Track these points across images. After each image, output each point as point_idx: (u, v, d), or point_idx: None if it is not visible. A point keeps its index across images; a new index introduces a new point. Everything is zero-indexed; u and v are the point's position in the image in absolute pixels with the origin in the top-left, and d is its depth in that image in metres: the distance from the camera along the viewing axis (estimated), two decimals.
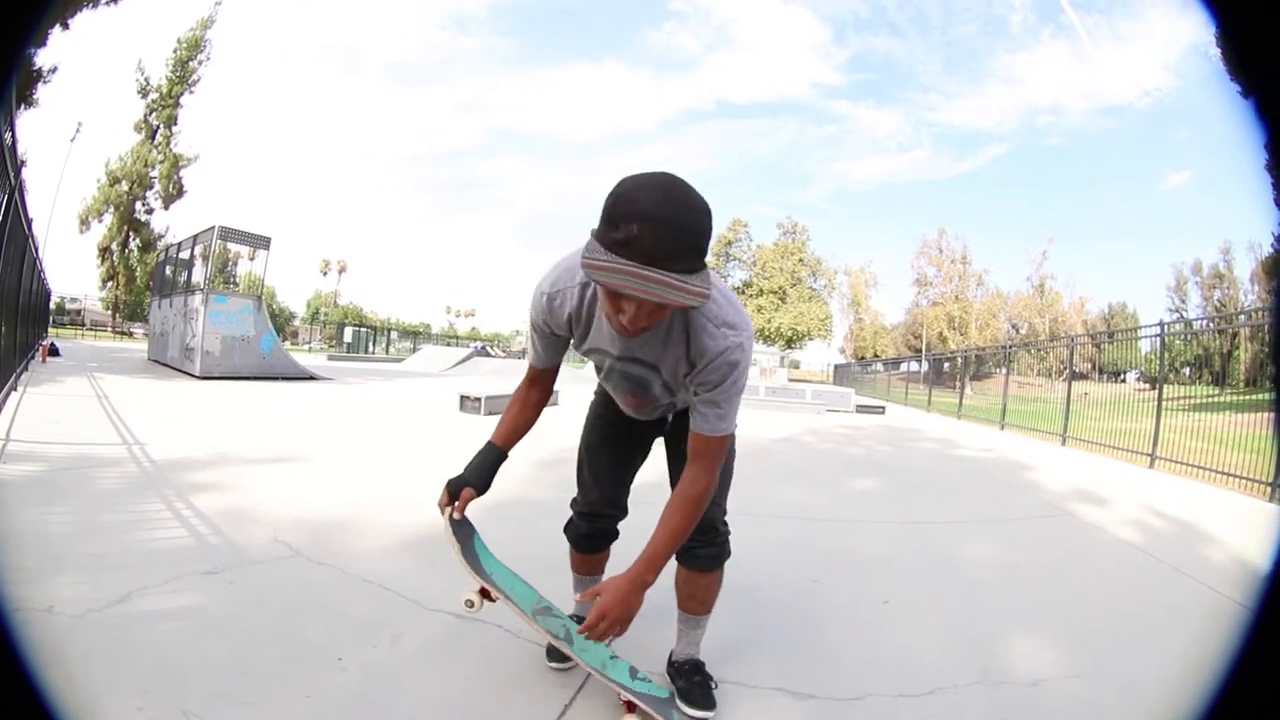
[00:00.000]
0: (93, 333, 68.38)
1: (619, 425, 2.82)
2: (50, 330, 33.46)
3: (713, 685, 2.80)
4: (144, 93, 71.55)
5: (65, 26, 33.45)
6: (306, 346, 77.30)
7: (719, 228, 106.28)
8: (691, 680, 2.78)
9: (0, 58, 1.28)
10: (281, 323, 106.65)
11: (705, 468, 2.35)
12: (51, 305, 41.71)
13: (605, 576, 2.80)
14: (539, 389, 2.70)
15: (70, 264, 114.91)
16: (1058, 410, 17.50)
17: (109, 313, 77.62)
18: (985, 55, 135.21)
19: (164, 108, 71.73)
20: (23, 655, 1.31)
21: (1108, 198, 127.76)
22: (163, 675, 2.61)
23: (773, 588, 4.30)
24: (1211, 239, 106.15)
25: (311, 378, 21.09)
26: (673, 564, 2.62)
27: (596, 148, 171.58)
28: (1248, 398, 19.71)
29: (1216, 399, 21.53)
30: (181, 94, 72.44)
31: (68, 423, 8.47)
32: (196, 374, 17.90)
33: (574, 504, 3.01)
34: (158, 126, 72.18)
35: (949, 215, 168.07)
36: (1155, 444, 12.98)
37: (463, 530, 2.62)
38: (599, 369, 2.63)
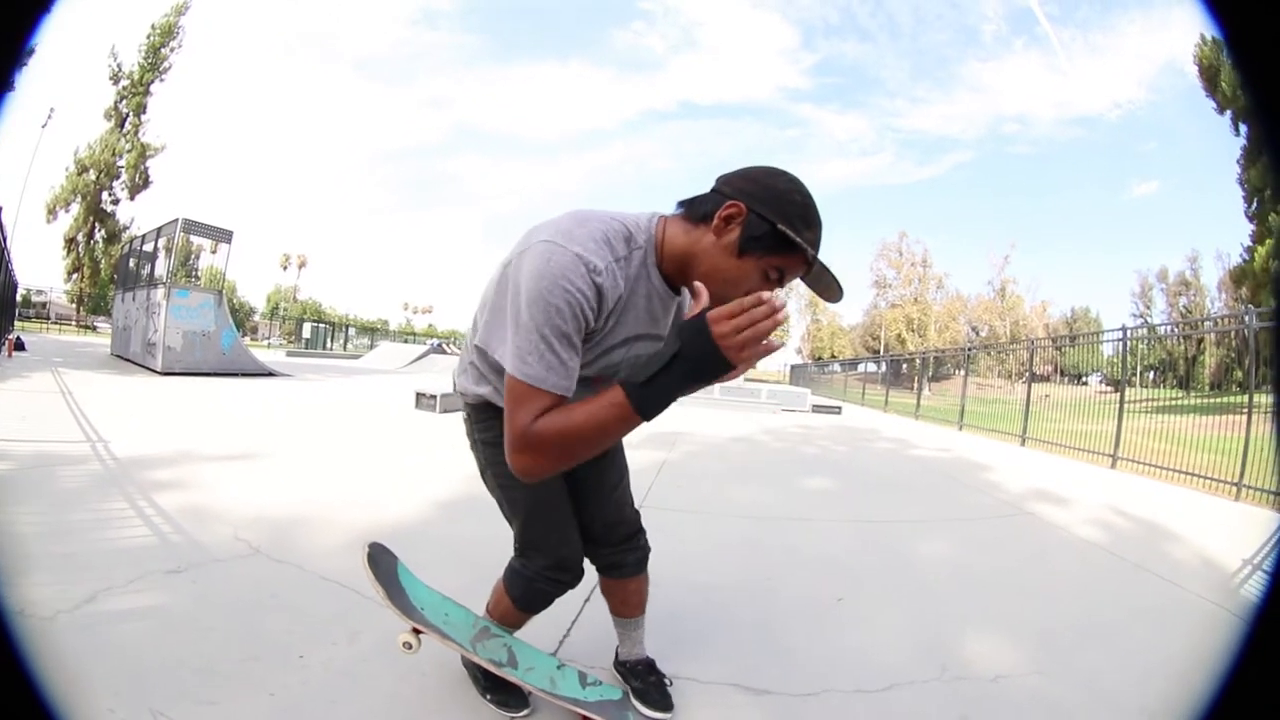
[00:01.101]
0: (57, 326, 67.68)
1: None
2: (16, 324, 32.95)
3: (668, 684, 2.81)
4: (116, 79, 70.51)
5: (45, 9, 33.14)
6: (266, 342, 77.22)
7: None
8: (647, 680, 2.79)
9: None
10: (242, 318, 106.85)
11: None
12: (18, 298, 41.09)
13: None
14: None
15: (36, 255, 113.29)
16: (1017, 411, 17.79)
17: (73, 306, 76.21)
18: (955, 63, 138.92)
19: (134, 95, 70.70)
20: (23, 657, 1.31)
21: (1073, 205, 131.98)
22: (131, 676, 2.64)
23: (726, 587, 4.32)
24: (1178, 248, 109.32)
25: (271, 374, 21.20)
26: (592, 576, 2.72)
27: (558, 146, 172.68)
28: (1212, 400, 20.00)
29: (1180, 402, 21.86)
30: (152, 81, 71.45)
31: (33, 420, 8.52)
32: (158, 370, 18.09)
33: (539, 569, 2.53)
34: (127, 114, 71.04)
35: (910, 219, 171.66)
36: (1117, 445, 13.18)
37: (384, 567, 2.59)
38: (607, 370, 2.17)
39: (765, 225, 1.87)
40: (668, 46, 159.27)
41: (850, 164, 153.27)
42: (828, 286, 1.98)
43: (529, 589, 2.54)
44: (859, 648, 3.50)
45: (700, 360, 1.68)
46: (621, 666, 2.88)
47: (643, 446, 10.20)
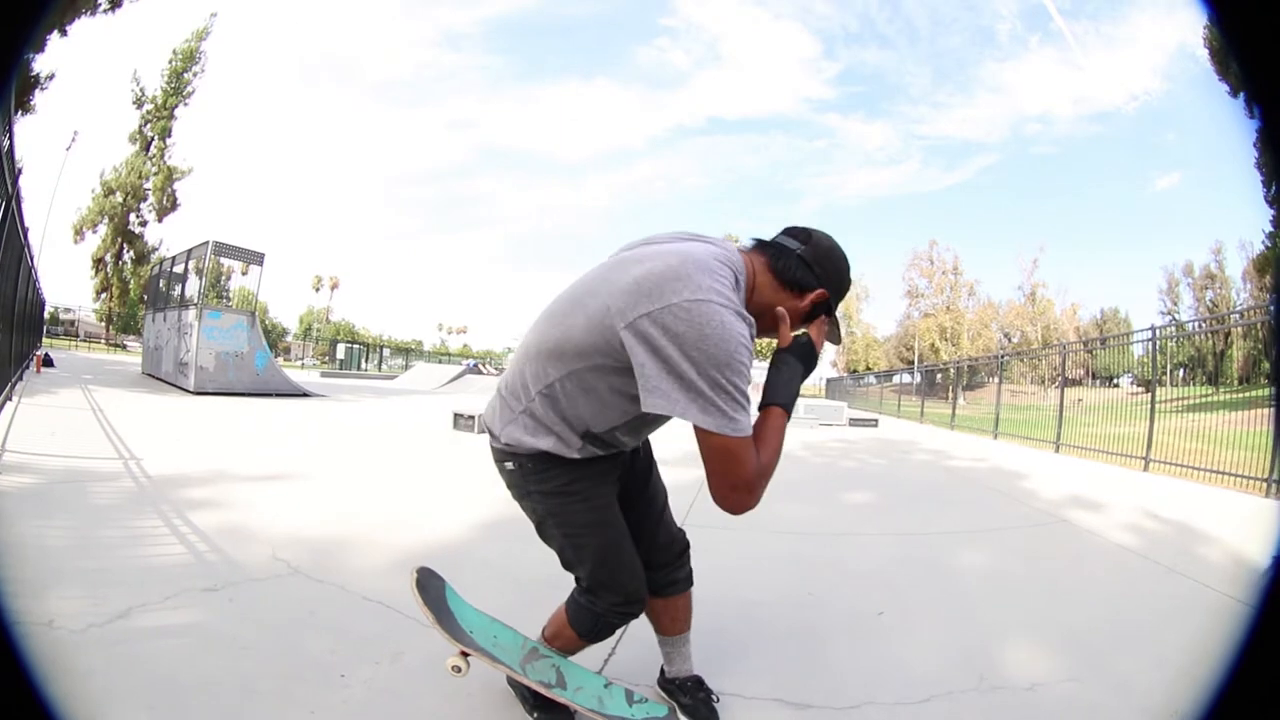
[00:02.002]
0: (86, 344, 67.96)
1: (613, 495, 2.53)
2: (44, 340, 33.33)
3: (715, 700, 2.81)
4: (139, 103, 72.03)
5: (64, 33, 33.63)
6: (299, 362, 77.53)
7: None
8: (695, 696, 2.79)
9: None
10: (275, 338, 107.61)
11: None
12: (46, 315, 41.70)
13: None
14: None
15: (64, 274, 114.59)
16: (1051, 418, 17.63)
17: (103, 324, 77.55)
18: (973, 65, 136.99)
19: (158, 119, 72.17)
20: (28, 665, 1.35)
21: (1097, 203, 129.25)
22: (166, 692, 2.64)
23: (769, 602, 4.33)
24: (1202, 239, 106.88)
25: (305, 394, 21.15)
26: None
27: (585, 166, 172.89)
28: (1241, 395, 19.78)
29: (1210, 398, 21.62)
30: (176, 106, 72.99)
31: (63, 435, 8.52)
32: (191, 389, 18.09)
33: (610, 605, 2.52)
34: (152, 138, 72.59)
35: (939, 226, 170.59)
36: (1149, 447, 13.04)
37: (433, 591, 2.59)
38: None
39: (828, 303, 2.33)
40: (692, 62, 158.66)
41: (878, 173, 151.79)
42: (834, 331, 2.44)
43: (598, 623, 2.55)
44: (899, 660, 3.53)
45: (810, 369, 2.30)
46: (669, 684, 2.88)
47: (682, 463, 9.99)
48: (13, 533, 4.41)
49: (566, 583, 2.65)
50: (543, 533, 2.54)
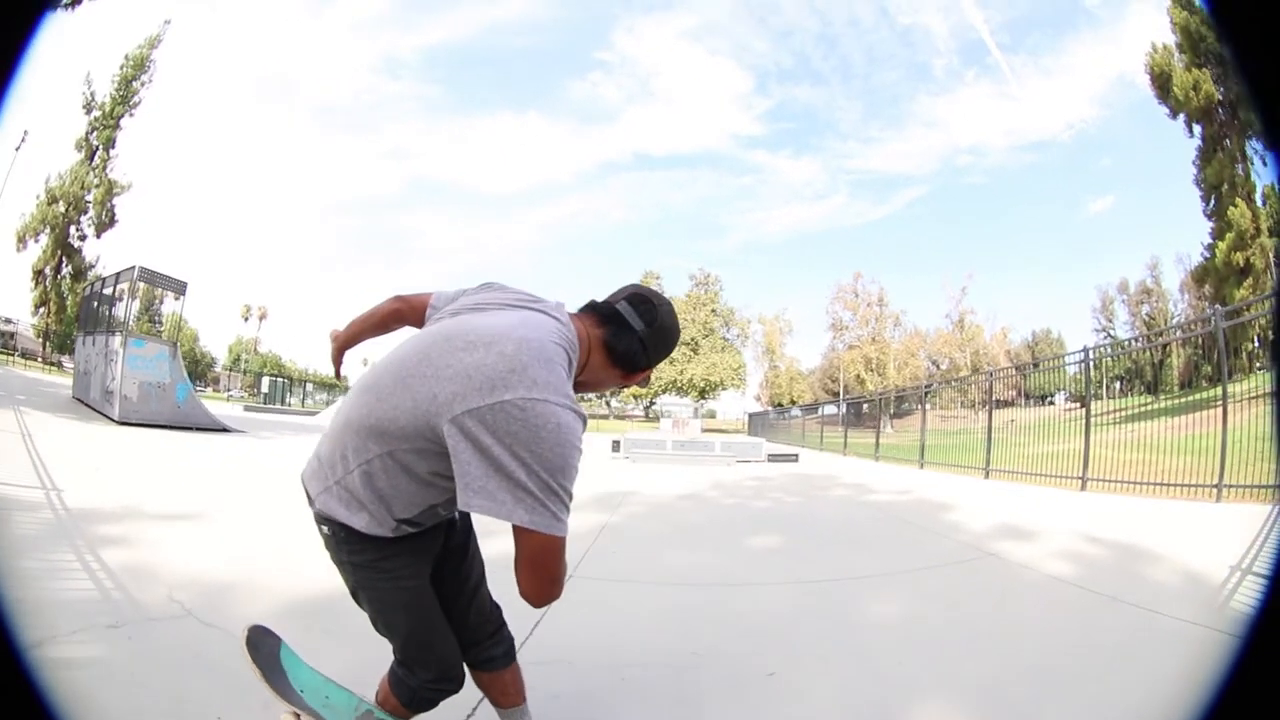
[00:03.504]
0: (24, 360, 67.06)
1: (424, 574, 2.49)
2: None
3: None
4: (88, 108, 71.11)
5: None
6: (227, 394, 77.91)
7: (631, 279, 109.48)
8: None
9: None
10: (204, 369, 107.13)
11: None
12: None
13: None
14: None
15: (6, 281, 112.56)
16: (981, 442, 17.70)
17: (40, 341, 76.01)
18: (906, 100, 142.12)
19: (105, 128, 71.20)
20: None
21: (1029, 229, 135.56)
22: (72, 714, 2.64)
23: (646, 663, 4.10)
24: (1137, 258, 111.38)
25: (225, 430, 21.25)
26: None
27: (514, 199, 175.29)
28: (1183, 400, 20.06)
29: (1150, 407, 21.94)
30: (122, 115, 72.07)
31: None
32: (116, 418, 18.45)
33: (423, 681, 2.52)
34: (97, 147, 71.55)
35: (866, 259, 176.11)
36: (1086, 465, 13.06)
37: (264, 649, 2.61)
38: None
39: (644, 359, 2.39)
40: (624, 97, 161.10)
41: (805, 208, 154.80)
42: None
43: (414, 697, 2.54)
44: None
45: None
46: None
47: (586, 509, 10.12)
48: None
49: None
50: (356, 600, 2.50)
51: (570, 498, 1.92)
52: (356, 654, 3.03)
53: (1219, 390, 10.58)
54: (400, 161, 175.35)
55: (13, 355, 70.87)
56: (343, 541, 2.32)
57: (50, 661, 3.36)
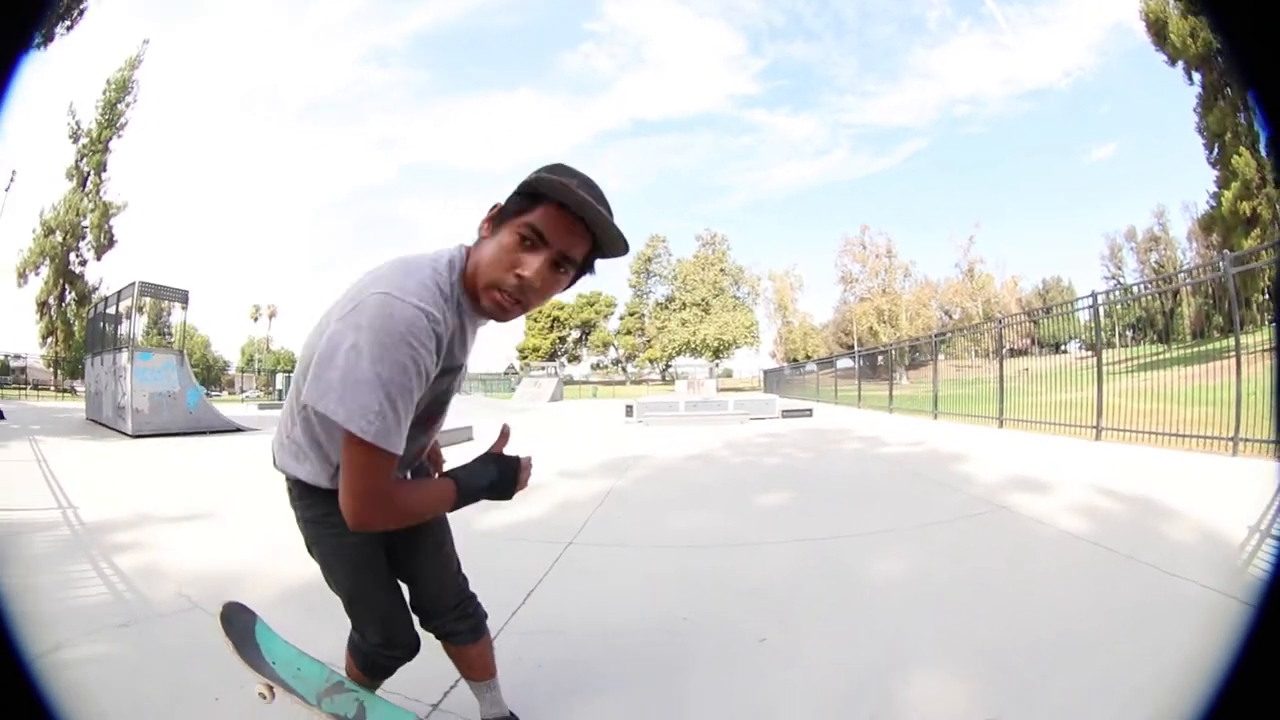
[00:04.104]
0: (36, 393, 68.17)
1: (374, 544, 2.46)
2: None
3: None
4: (75, 137, 72.23)
5: None
6: (243, 395, 78.26)
7: (638, 245, 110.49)
8: None
9: None
10: (217, 372, 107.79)
11: None
12: None
13: None
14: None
15: (12, 321, 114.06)
16: (994, 391, 17.50)
17: (51, 370, 78.34)
18: (901, 53, 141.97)
19: (94, 153, 72.47)
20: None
21: (1033, 178, 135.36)
22: (80, 716, 2.78)
23: (637, 630, 4.05)
24: (1143, 205, 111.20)
25: (238, 429, 21.43)
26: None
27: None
28: (1195, 350, 19.82)
29: (1163, 356, 21.70)
30: (110, 138, 73.27)
31: (9, 489, 9.16)
32: (129, 432, 18.63)
33: (366, 648, 2.62)
34: (88, 173, 72.88)
35: (871, 212, 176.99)
36: (1100, 414, 12.88)
37: (240, 625, 2.64)
38: (438, 409, 2.27)
39: (511, 196, 2.00)
40: (617, 66, 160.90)
41: (807, 164, 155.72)
42: (613, 240, 1.99)
43: (367, 662, 2.63)
44: (770, 701, 3.08)
45: (505, 491, 2.18)
46: None
47: (592, 475, 10.14)
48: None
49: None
50: (311, 555, 2.54)
51: (387, 400, 1.82)
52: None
53: (1231, 341, 10.32)
54: (394, 149, 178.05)
55: (24, 388, 72.30)
56: (297, 497, 2.41)
57: (63, 663, 3.53)
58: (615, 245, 2.00)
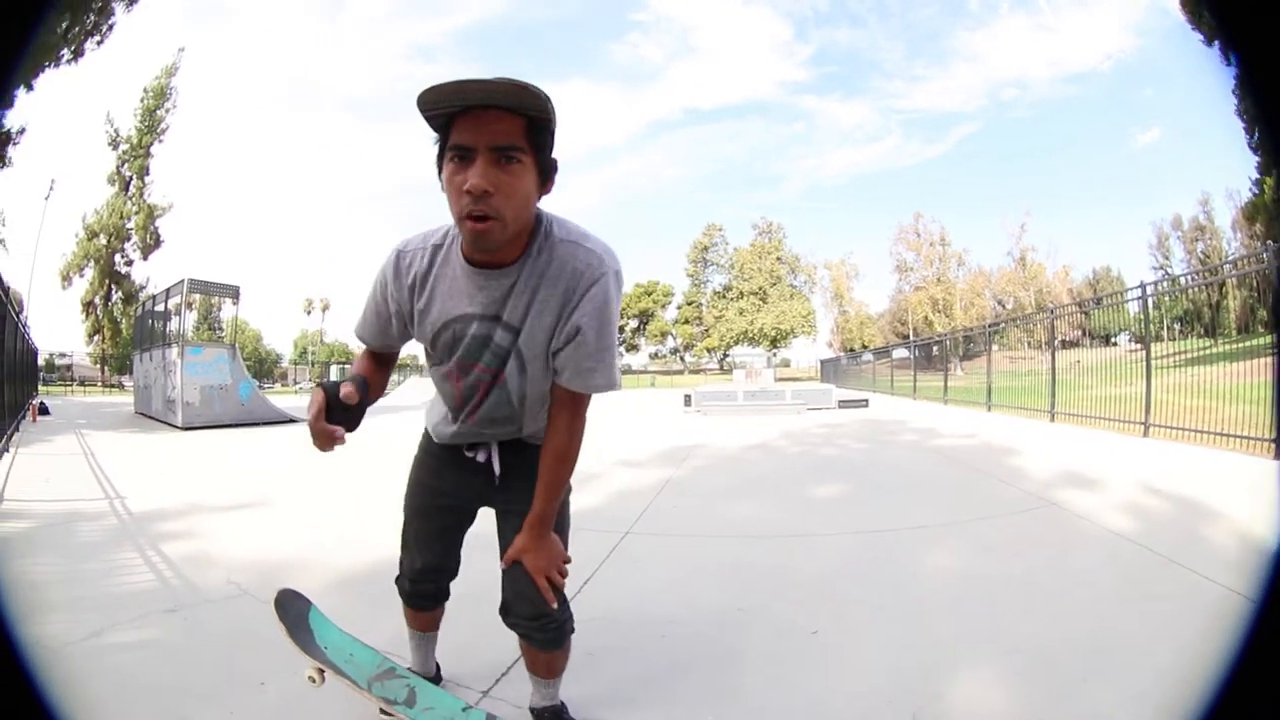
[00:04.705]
0: (83, 388, 69.74)
1: (443, 492, 2.69)
2: (40, 388, 33.97)
3: None
4: (114, 144, 73.71)
5: (29, 88, 34.53)
6: (296, 387, 78.25)
7: (694, 233, 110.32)
8: None
9: None
10: (270, 365, 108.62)
11: (576, 415, 2.32)
12: (40, 363, 42.44)
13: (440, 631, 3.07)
14: (371, 368, 2.50)
15: (57, 321, 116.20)
16: (1046, 383, 17.35)
17: (97, 367, 79.92)
18: (946, 36, 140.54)
19: (135, 158, 73.91)
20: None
21: (1080, 164, 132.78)
22: (121, 697, 3.08)
23: (689, 621, 4.06)
24: (1189, 191, 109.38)
25: (291, 421, 21.21)
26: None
27: (570, 167, 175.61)
28: (1240, 345, 19.66)
29: (1209, 350, 21.52)
30: (151, 143, 74.59)
31: (56, 481, 9.12)
32: (179, 425, 18.72)
33: (400, 560, 2.86)
34: (130, 178, 74.34)
35: (924, 199, 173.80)
36: (1148, 411, 12.78)
37: (293, 611, 2.76)
38: (446, 354, 2.30)
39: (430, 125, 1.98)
40: (665, 55, 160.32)
41: (859, 151, 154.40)
42: (512, 94, 1.84)
43: (398, 578, 2.89)
44: (819, 695, 3.13)
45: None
46: (532, 713, 2.84)
47: (649, 465, 10.23)
48: (8, 571, 5.00)
49: (486, 603, 2.75)
50: None
51: (369, 307, 2.39)
52: (404, 622, 3.05)
53: (1274, 338, 10.28)
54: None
55: (70, 384, 74.09)
56: None
57: (106, 647, 3.55)
58: (527, 96, 1.84)
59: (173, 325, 21.95)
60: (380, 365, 2.52)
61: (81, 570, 5.00)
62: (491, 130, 1.84)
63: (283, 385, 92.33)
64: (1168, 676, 3.08)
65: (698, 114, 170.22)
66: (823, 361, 73.30)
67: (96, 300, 73.28)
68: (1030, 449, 11.38)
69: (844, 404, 24.07)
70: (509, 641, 2.71)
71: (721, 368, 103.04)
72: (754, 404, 23.52)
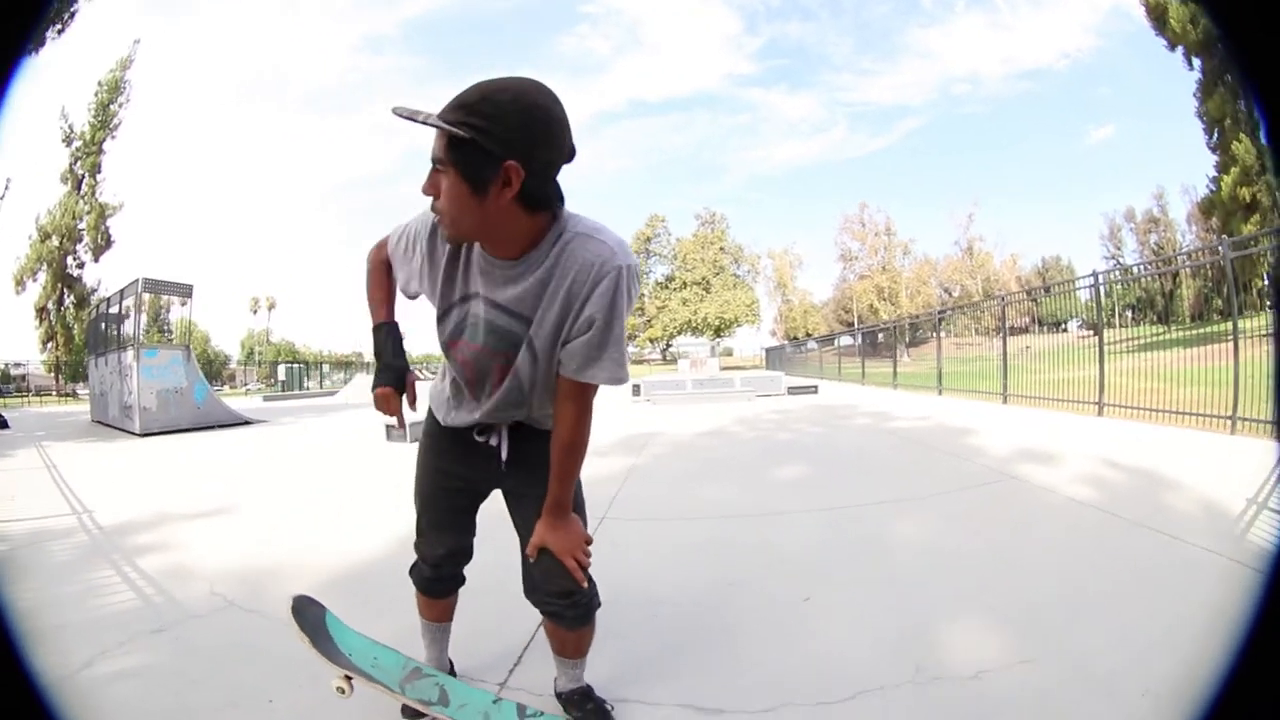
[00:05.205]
0: (39, 398, 67.20)
1: (453, 475, 2.70)
2: None
3: (609, 709, 2.82)
4: (68, 140, 71.29)
5: None
6: (245, 389, 77.89)
7: (637, 225, 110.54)
8: (585, 709, 2.80)
9: None
10: (218, 367, 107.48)
11: (583, 407, 2.37)
12: None
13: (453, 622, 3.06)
14: (389, 293, 2.65)
15: (9, 328, 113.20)
16: (997, 368, 17.77)
17: (52, 375, 77.22)
18: (898, 33, 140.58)
19: (88, 155, 71.51)
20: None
21: (1032, 158, 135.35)
22: None
23: (682, 597, 4.18)
24: (1143, 187, 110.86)
25: (247, 422, 21.23)
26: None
27: None
28: (1194, 332, 20.05)
29: (1163, 337, 21.95)
30: (104, 140, 72.25)
31: (22, 498, 8.77)
32: (137, 431, 18.30)
33: (415, 547, 2.87)
34: (83, 175, 71.89)
35: (870, 191, 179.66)
36: (1102, 391, 13.14)
37: (310, 617, 2.72)
38: (455, 333, 2.36)
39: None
40: (613, 47, 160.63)
41: (804, 143, 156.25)
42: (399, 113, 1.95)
43: (414, 566, 2.90)
44: (824, 653, 3.31)
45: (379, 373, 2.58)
46: (560, 699, 2.87)
47: (611, 453, 10.28)
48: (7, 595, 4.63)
49: (491, 595, 3.09)
50: None
51: (400, 240, 2.47)
52: (397, 620, 3.18)
53: (1229, 324, 10.58)
54: (392, 136, 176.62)
55: (26, 395, 71.67)
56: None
57: (100, 679, 3.36)
58: (426, 118, 1.95)
59: (126, 327, 21.53)
60: (392, 282, 2.62)
61: (60, 594, 4.80)
62: (433, 144, 2.00)
63: (231, 387, 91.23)
64: (1154, 625, 3.35)
65: (643, 106, 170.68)
66: (768, 350, 73.78)
67: (50, 305, 71.01)
68: (985, 429, 11.69)
69: (793, 390, 24.34)
70: (515, 632, 2.92)
71: (664, 358, 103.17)
72: (704, 392, 23.72)
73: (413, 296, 2.49)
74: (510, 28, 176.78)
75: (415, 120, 1.91)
